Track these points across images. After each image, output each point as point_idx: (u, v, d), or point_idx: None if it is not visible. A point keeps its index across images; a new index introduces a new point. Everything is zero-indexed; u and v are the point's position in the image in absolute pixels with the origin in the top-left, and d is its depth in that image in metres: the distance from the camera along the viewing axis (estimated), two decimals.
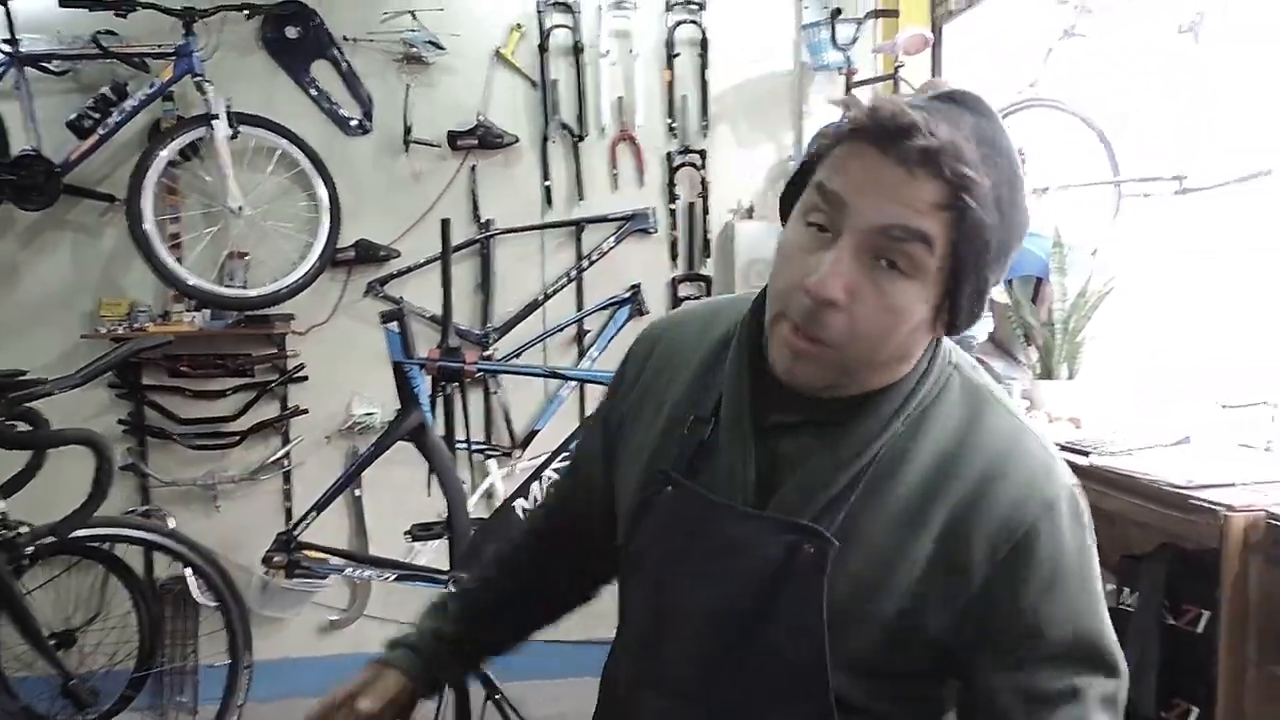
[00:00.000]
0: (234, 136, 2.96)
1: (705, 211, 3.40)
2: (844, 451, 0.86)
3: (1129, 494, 1.74)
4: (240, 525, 3.24)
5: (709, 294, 3.41)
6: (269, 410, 3.27)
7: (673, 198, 3.39)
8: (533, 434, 3.36)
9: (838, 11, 3.12)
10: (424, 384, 2.49)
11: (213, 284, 3.05)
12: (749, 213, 3.40)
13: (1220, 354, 2.16)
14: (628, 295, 3.37)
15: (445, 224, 2.52)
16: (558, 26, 3.28)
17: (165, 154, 2.93)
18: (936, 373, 0.89)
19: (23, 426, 2.23)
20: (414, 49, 3.18)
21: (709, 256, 3.42)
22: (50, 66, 2.98)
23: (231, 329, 3.15)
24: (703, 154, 3.38)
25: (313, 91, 3.22)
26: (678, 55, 3.33)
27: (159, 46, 2.97)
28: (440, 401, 2.50)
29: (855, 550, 0.84)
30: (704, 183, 3.39)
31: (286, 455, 3.29)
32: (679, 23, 3.32)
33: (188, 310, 3.15)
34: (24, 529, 2.30)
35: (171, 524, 3.09)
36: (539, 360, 3.35)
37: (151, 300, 3.18)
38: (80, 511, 2.22)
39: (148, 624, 2.82)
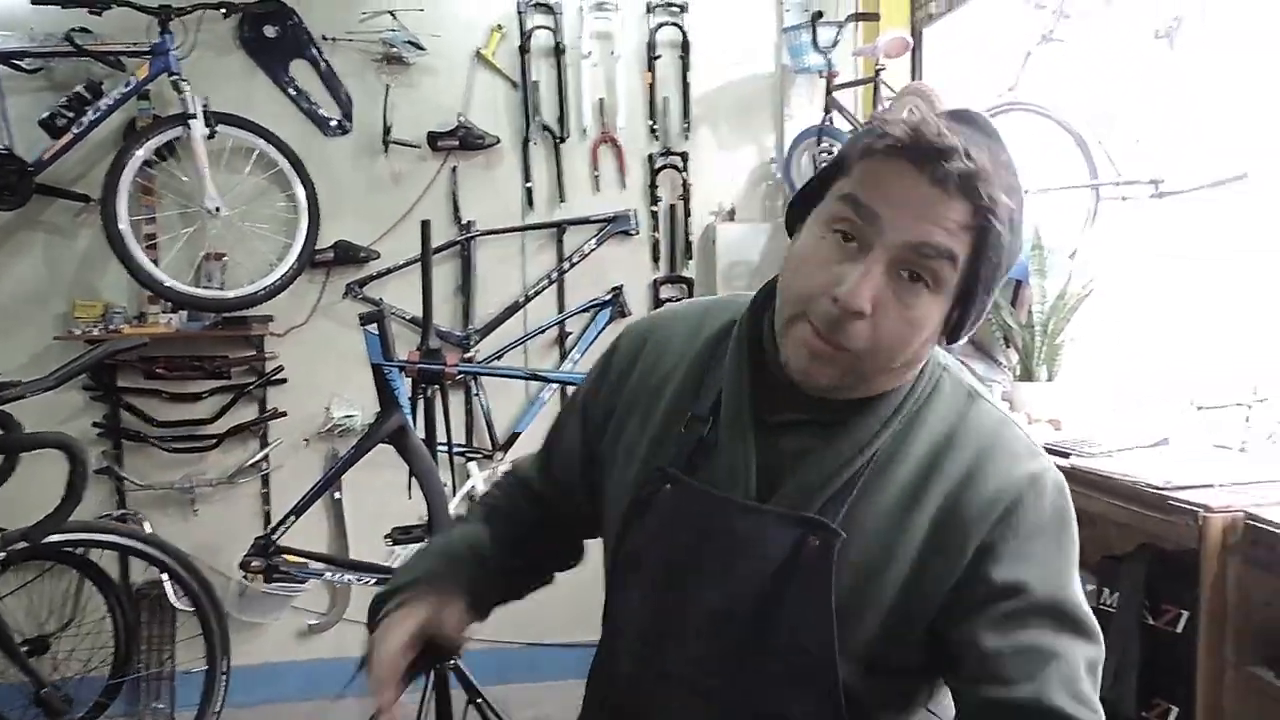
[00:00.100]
0: (211, 136, 2.93)
1: (687, 214, 3.40)
2: (845, 450, 0.90)
3: (1109, 495, 1.75)
4: (218, 529, 3.21)
5: (691, 296, 3.41)
6: (247, 413, 3.24)
7: (654, 200, 3.39)
8: (514, 436, 3.35)
9: (819, 15, 3.13)
10: (404, 386, 2.47)
11: (189, 285, 3.01)
12: (730, 215, 3.41)
13: (1196, 356, 2.19)
14: (609, 297, 3.37)
15: (425, 225, 2.50)
16: (539, 28, 3.27)
17: (141, 153, 2.90)
18: (929, 374, 0.94)
19: None
20: (394, 49, 3.16)
21: (690, 258, 3.43)
22: (22, 64, 2.93)
23: (208, 331, 3.12)
24: (684, 156, 3.38)
25: (291, 91, 3.20)
26: (659, 57, 3.34)
27: (134, 45, 2.93)
28: (421, 404, 2.48)
29: (856, 541, 0.88)
30: (685, 185, 3.39)
31: (265, 458, 3.26)
32: (660, 25, 3.32)
33: (164, 312, 3.12)
34: None
35: (148, 528, 3.06)
36: (520, 362, 3.34)
37: (127, 302, 3.15)
38: (54, 516, 2.19)
39: (123, 630, 2.79)
